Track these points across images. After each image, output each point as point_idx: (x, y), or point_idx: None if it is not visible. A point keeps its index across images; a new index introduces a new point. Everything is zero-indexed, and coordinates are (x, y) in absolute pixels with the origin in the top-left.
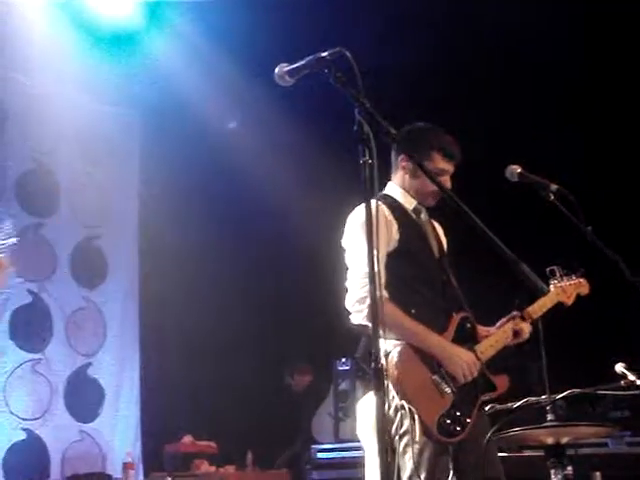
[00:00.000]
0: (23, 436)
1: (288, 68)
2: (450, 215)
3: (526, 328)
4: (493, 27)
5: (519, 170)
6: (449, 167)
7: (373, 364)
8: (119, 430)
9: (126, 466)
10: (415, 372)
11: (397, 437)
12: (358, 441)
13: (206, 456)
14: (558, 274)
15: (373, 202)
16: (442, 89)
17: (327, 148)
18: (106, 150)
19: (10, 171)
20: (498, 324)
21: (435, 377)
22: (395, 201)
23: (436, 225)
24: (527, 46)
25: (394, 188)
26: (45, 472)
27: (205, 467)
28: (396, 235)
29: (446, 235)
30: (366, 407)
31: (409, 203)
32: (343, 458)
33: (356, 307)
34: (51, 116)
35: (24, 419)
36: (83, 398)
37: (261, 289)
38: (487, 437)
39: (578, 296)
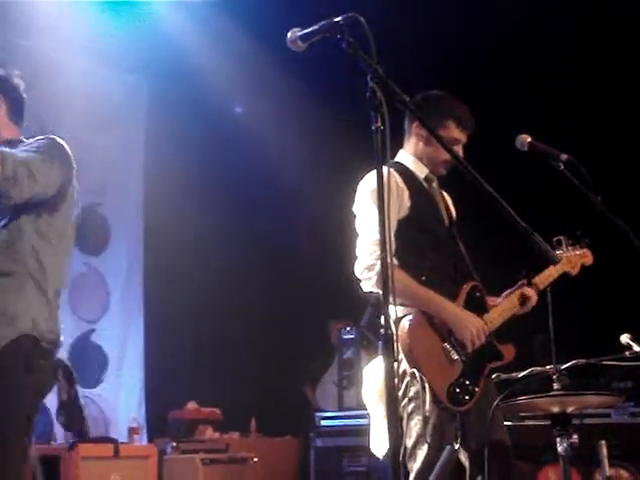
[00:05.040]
0: None
1: (300, 33)
2: (459, 186)
3: (533, 297)
4: None
5: (529, 140)
6: (462, 137)
7: (383, 330)
8: (123, 396)
9: (131, 431)
10: (426, 340)
11: (403, 403)
12: (362, 409)
13: (210, 422)
14: (564, 244)
15: (385, 169)
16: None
17: (337, 114)
18: (112, 117)
19: None
20: (505, 293)
21: (445, 345)
22: (407, 169)
23: (445, 195)
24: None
25: (406, 156)
26: (50, 436)
27: (209, 433)
28: (407, 202)
29: (455, 206)
30: (372, 373)
31: (421, 171)
32: (347, 426)
33: (365, 274)
34: (56, 82)
35: None
36: (86, 364)
37: (267, 254)
38: (493, 405)
39: (583, 266)
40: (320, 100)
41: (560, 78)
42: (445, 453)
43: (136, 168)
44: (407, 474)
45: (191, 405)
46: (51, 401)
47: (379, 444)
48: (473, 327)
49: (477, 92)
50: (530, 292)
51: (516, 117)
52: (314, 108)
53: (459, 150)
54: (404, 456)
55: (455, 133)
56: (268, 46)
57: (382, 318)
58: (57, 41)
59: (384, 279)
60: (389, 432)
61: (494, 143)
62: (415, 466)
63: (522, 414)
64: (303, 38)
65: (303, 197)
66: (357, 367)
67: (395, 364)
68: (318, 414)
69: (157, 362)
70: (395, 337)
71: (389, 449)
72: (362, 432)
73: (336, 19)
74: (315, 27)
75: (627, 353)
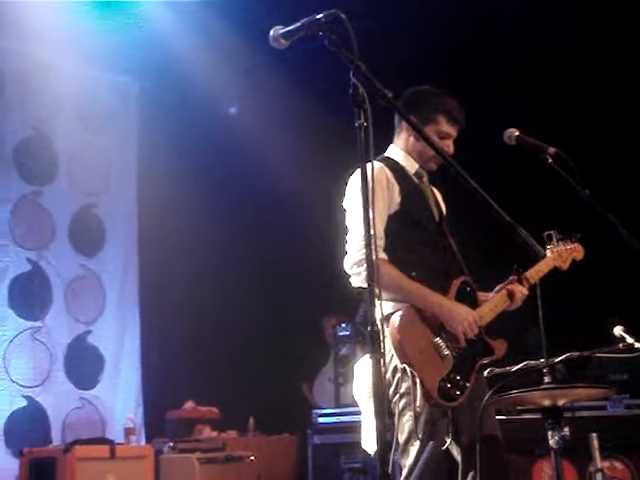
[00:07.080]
0: (24, 403)
1: (283, 30)
2: (450, 181)
3: (519, 293)
4: None
5: (517, 133)
6: (453, 131)
7: (369, 327)
8: (120, 397)
9: (127, 431)
10: (417, 335)
11: (395, 399)
12: (358, 406)
13: (208, 421)
14: (555, 239)
15: (376, 164)
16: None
17: (326, 110)
18: (104, 118)
19: (9, 139)
20: (497, 289)
21: (437, 340)
22: (397, 164)
23: (435, 191)
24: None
25: (396, 151)
26: (46, 438)
27: (207, 432)
28: (398, 198)
29: (445, 201)
30: (363, 369)
31: (411, 166)
32: (344, 422)
33: (354, 270)
34: (49, 84)
35: (25, 386)
36: (83, 365)
37: (261, 251)
38: (484, 400)
39: (573, 261)
40: (312, 97)
41: (548, 73)
42: (428, 449)
43: (129, 168)
44: (400, 470)
45: (189, 404)
46: (48, 403)
47: (371, 440)
48: (465, 319)
49: (466, 87)
50: (516, 288)
51: (504, 111)
52: (306, 105)
53: (449, 145)
54: (395, 452)
55: (445, 127)
56: (260, 45)
57: (368, 315)
58: (48, 44)
59: (370, 276)
60: (377, 429)
61: (483, 137)
62: (407, 462)
63: (518, 407)
64: (285, 35)
65: (296, 194)
66: (353, 363)
67: (382, 361)
68: (315, 411)
69: (154, 362)
70: (382, 333)
71: (377, 445)
72: (359, 428)
73: (318, 16)
74: (297, 24)
75: (621, 345)
